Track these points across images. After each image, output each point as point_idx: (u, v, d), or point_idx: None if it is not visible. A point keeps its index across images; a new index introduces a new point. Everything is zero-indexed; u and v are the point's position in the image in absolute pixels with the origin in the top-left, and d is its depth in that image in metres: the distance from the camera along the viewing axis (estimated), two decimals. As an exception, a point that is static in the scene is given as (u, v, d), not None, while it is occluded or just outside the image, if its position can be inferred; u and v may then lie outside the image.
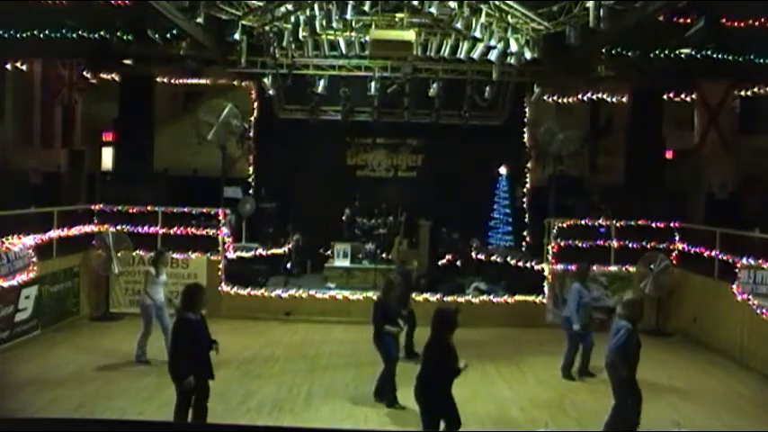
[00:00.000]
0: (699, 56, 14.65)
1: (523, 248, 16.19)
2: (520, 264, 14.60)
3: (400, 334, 9.45)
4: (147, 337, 10.59)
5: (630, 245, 13.95)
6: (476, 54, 13.11)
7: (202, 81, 16.06)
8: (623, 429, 7.68)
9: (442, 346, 6.89)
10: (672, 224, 14.08)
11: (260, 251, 14.99)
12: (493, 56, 12.90)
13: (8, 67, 15.11)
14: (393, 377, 8.94)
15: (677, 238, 14.01)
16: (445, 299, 13.51)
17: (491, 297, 13.90)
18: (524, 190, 16.90)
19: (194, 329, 7.27)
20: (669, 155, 16.58)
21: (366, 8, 12.29)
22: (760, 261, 11.22)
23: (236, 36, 12.97)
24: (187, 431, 3.97)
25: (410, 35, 13.02)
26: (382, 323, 8.98)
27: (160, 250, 11.59)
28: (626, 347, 7.62)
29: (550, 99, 16.24)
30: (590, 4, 10.80)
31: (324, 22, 12.22)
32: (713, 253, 12.66)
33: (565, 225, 14.05)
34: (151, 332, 10.60)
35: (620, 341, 7.61)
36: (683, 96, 15.82)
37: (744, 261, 11.48)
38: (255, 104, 16.56)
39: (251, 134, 16.32)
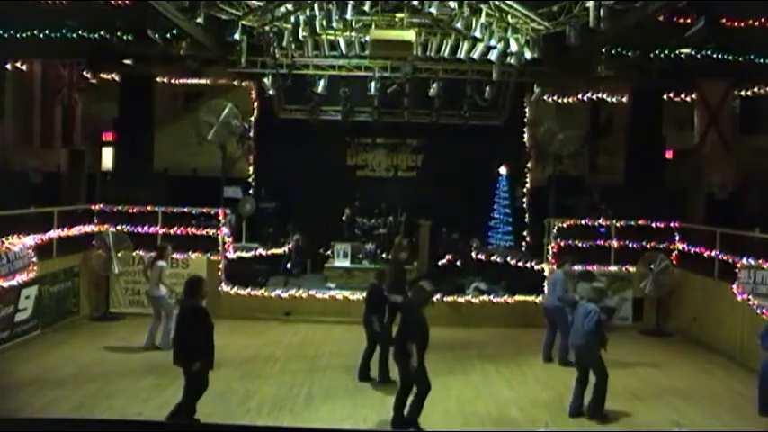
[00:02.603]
0: (699, 56, 14.66)
1: (523, 248, 16.20)
2: (520, 264, 14.60)
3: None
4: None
5: (630, 245, 13.94)
6: (476, 54, 13.11)
7: (202, 81, 16.09)
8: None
9: (414, 316, 7.99)
10: (672, 224, 14.07)
11: (260, 251, 14.99)
12: (493, 56, 12.90)
13: (8, 67, 15.11)
14: (371, 356, 9.87)
15: (677, 238, 14.01)
16: (445, 299, 13.52)
17: (491, 297, 13.89)
18: (524, 190, 16.92)
19: (206, 317, 7.77)
20: (669, 155, 16.58)
21: (366, 8, 12.30)
22: (760, 261, 11.22)
23: (236, 36, 12.97)
24: (187, 431, 3.97)
25: (410, 35, 13.03)
26: (376, 307, 9.83)
27: (164, 245, 12.04)
28: (599, 330, 8.53)
29: (550, 99, 16.26)
30: (590, 4, 10.80)
31: (324, 22, 12.23)
32: (713, 253, 12.65)
33: (565, 225, 14.04)
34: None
35: (593, 324, 8.49)
36: (683, 96, 15.83)
37: (744, 261, 11.48)
38: (255, 104, 16.57)
39: (251, 134, 16.33)
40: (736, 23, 14.54)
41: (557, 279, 10.97)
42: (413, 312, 8.12)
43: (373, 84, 15.41)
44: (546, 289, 11.65)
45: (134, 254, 13.53)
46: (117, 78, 15.51)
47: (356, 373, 9.93)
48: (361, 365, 9.95)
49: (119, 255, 13.25)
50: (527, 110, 16.73)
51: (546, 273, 13.89)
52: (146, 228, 13.80)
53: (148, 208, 13.95)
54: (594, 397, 8.66)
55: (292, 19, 12.89)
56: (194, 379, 7.67)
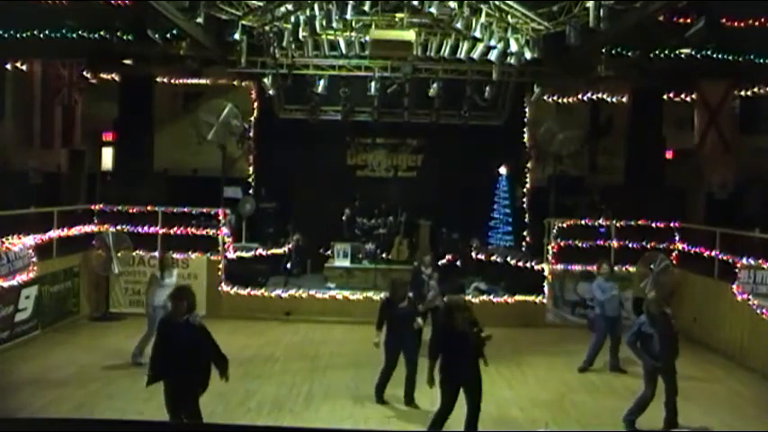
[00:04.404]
0: (699, 56, 14.64)
1: (523, 248, 16.19)
2: (520, 264, 14.60)
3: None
4: (149, 340, 10.22)
5: (630, 245, 13.93)
6: (476, 54, 13.11)
7: (202, 81, 16.08)
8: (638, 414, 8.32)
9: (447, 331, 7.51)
10: (672, 224, 14.07)
11: (260, 251, 14.98)
12: (493, 56, 12.90)
13: (8, 67, 15.10)
14: (388, 376, 9.05)
15: (677, 238, 14.01)
16: (445, 299, 13.48)
17: (491, 297, 13.90)
18: (524, 190, 16.91)
19: (167, 332, 7.04)
20: (669, 155, 16.57)
21: (366, 8, 12.29)
22: (760, 261, 11.21)
23: (236, 36, 12.96)
24: (187, 431, 3.97)
25: (410, 35, 13.02)
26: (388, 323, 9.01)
27: (163, 254, 11.31)
28: (636, 341, 8.26)
29: (550, 99, 16.24)
30: (590, 4, 10.80)
31: (324, 22, 12.23)
32: (713, 253, 12.65)
33: (565, 225, 14.05)
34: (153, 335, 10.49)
35: (629, 337, 8.41)
36: (683, 96, 15.81)
37: (744, 261, 11.47)
38: (255, 104, 16.57)
39: (251, 134, 16.32)
40: (736, 23, 14.54)
41: (597, 287, 10.81)
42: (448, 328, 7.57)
43: (373, 84, 15.39)
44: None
45: (134, 254, 13.53)
46: (117, 78, 15.49)
47: (374, 396, 9.15)
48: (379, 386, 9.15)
49: (119, 255, 13.24)
50: (527, 110, 16.71)
51: (546, 273, 13.91)
52: (146, 228, 13.80)
53: (148, 208, 13.95)
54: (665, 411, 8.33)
55: (292, 19, 12.89)
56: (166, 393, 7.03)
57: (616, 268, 13.76)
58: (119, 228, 13.47)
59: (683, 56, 14.53)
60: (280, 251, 15.44)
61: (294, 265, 15.52)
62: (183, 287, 7.63)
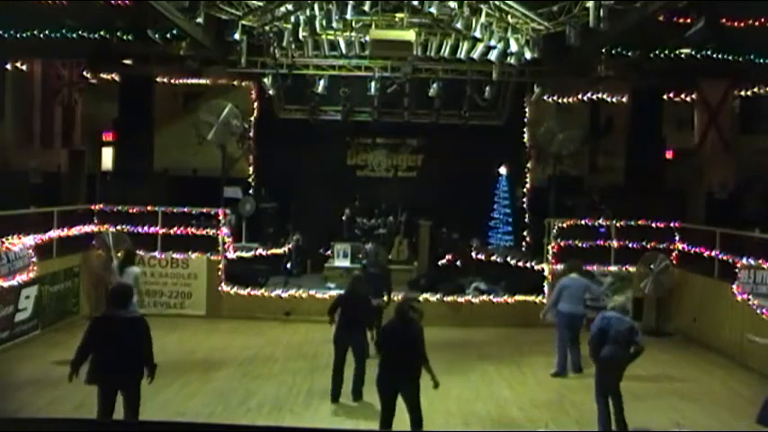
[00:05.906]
0: (699, 56, 14.63)
1: (523, 248, 16.19)
2: (520, 264, 14.60)
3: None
4: None
5: (630, 245, 13.94)
6: (476, 54, 13.12)
7: (202, 81, 16.08)
8: None
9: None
10: (672, 224, 14.08)
11: (260, 251, 14.98)
12: (493, 56, 12.91)
13: (8, 67, 15.09)
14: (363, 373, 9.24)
15: (677, 238, 14.01)
16: (445, 299, 13.53)
17: (491, 297, 13.89)
18: (524, 190, 16.90)
19: (105, 328, 6.96)
20: (669, 155, 16.57)
21: (366, 8, 12.28)
22: (760, 261, 11.22)
23: (236, 36, 12.95)
24: (187, 431, 3.97)
25: (410, 35, 13.02)
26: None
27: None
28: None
29: (550, 99, 16.25)
30: (590, 4, 10.80)
31: (324, 22, 12.23)
32: (713, 253, 12.66)
33: (565, 225, 14.05)
34: None
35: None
36: (683, 96, 15.82)
37: (744, 261, 11.48)
38: (255, 104, 16.56)
39: (251, 134, 16.32)
40: (736, 23, 14.53)
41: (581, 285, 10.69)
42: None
43: (373, 84, 15.40)
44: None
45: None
46: (117, 78, 15.49)
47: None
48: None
49: (119, 255, 13.22)
50: (527, 110, 16.71)
51: (546, 273, 13.90)
52: (146, 228, 13.80)
53: (148, 208, 13.95)
54: None
55: (292, 19, 12.90)
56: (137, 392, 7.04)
57: (614, 268, 13.85)
58: (119, 228, 13.46)
59: (683, 56, 14.53)
60: (280, 251, 15.44)
61: (294, 265, 15.52)
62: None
